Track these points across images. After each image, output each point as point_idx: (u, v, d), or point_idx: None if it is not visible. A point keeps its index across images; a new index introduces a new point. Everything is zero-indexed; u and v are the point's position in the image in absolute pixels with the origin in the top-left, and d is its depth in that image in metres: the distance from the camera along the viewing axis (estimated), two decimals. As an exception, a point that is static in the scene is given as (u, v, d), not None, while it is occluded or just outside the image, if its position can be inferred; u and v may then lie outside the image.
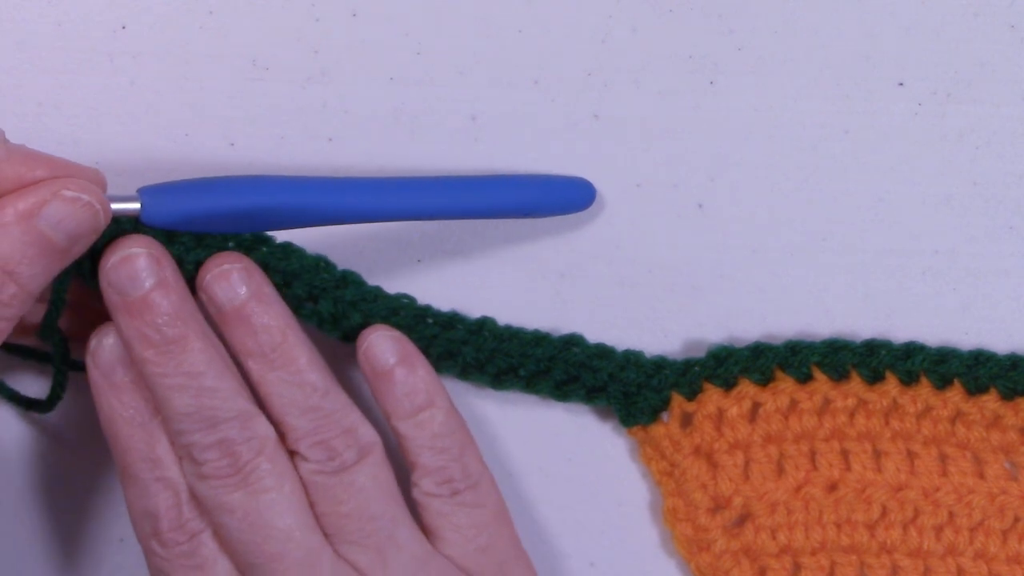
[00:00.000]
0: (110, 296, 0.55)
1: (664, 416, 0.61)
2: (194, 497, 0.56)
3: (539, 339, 0.61)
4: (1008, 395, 0.61)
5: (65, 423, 0.63)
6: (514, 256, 0.63)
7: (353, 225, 0.62)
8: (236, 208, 0.57)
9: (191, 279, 0.57)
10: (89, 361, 0.57)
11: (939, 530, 0.61)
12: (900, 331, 0.62)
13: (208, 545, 0.56)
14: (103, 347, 0.57)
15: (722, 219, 0.63)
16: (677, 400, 0.61)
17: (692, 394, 0.61)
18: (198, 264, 0.57)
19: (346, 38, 0.62)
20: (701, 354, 0.62)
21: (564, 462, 0.63)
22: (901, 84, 0.62)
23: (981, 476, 0.61)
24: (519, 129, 0.62)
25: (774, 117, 0.63)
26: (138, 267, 0.55)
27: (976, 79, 0.62)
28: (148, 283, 0.55)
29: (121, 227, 0.56)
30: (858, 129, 0.62)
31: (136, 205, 0.56)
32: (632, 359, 0.61)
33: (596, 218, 0.63)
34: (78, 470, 0.63)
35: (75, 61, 0.62)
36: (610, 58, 0.62)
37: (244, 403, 0.56)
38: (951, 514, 0.61)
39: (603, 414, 0.63)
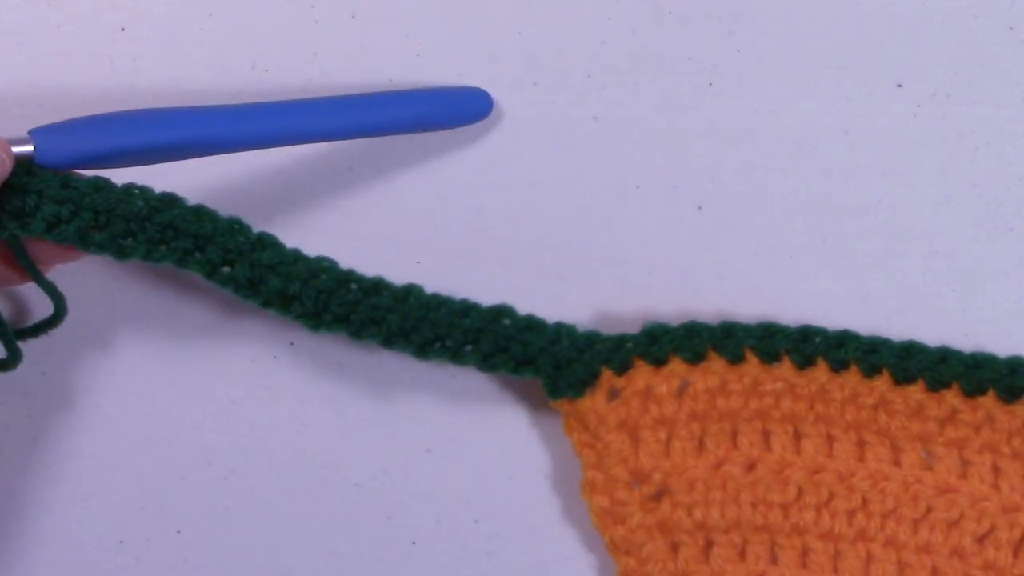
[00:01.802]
0: None
1: (591, 391, 0.61)
2: None
3: (467, 309, 0.60)
4: (934, 387, 0.61)
5: (66, 425, 0.63)
6: (513, 258, 0.63)
7: (352, 228, 0.62)
8: (132, 144, 0.56)
9: (90, 227, 0.56)
10: None
11: (851, 515, 0.61)
12: (899, 332, 0.62)
13: None
14: None
15: (722, 221, 0.63)
16: (607, 375, 0.61)
17: (622, 369, 0.61)
18: (95, 211, 0.56)
19: (345, 40, 0.62)
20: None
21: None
22: (900, 85, 0.62)
23: (897, 464, 0.61)
24: (518, 130, 0.62)
25: (773, 119, 0.63)
26: None
27: (975, 80, 0.62)
28: None
29: (15, 170, 0.56)
30: (857, 130, 0.62)
31: (29, 148, 0.56)
32: (564, 332, 0.61)
33: (596, 220, 0.63)
34: (79, 472, 0.63)
35: (75, 63, 0.62)
36: (609, 60, 0.62)
37: None
38: (864, 499, 0.61)
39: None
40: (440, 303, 0.60)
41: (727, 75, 0.63)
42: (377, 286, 0.59)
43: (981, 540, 0.61)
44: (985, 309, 0.63)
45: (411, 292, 0.60)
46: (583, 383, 0.61)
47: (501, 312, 0.60)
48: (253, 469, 0.63)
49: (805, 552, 0.61)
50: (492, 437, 0.63)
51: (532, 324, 0.60)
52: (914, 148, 0.63)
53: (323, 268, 0.59)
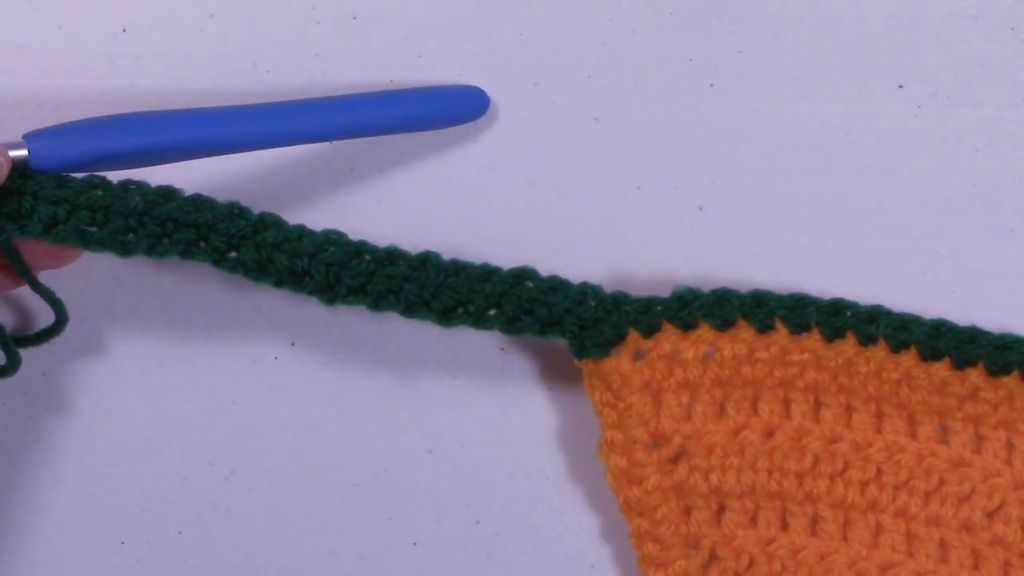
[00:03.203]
0: None
1: (616, 350, 0.61)
2: None
3: (488, 274, 0.59)
4: (960, 365, 0.61)
5: (67, 426, 0.63)
6: (514, 259, 0.63)
7: (352, 228, 0.62)
8: (127, 147, 0.56)
9: (88, 225, 0.56)
10: None
11: (864, 485, 0.61)
12: (900, 333, 0.62)
13: None
14: None
15: (722, 221, 0.63)
16: (634, 336, 0.61)
17: (650, 332, 0.61)
18: (92, 209, 0.56)
19: (346, 41, 0.62)
20: None
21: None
22: (901, 86, 0.62)
23: (913, 436, 0.61)
24: (519, 131, 0.63)
25: (774, 119, 0.63)
26: None
27: (976, 81, 0.62)
28: None
29: (10, 174, 0.56)
30: (858, 131, 0.62)
31: (24, 152, 0.56)
32: (591, 292, 0.60)
33: (596, 222, 0.63)
34: (80, 473, 0.63)
35: (76, 63, 0.62)
36: (610, 60, 0.62)
37: None
38: (879, 470, 0.61)
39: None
40: (459, 268, 0.59)
41: (728, 76, 0.63)
42: (392, 255, 0.59)
43: (991, 515, 0.61)
44: (985, 309, 0.63)
45: (428, 259, 0.59)
46: (609, 343, 0.61)
47: (523, 274, 0.60)
48: (254, 470, 0.63)
49: (816, 520, 0.61)
50: (492, 438, 0.63)
51: (556, 285, 0.60)
52: (915, 148, 0.63)
53: (331, 241, 0.58)
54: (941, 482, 0.61)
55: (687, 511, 0.62)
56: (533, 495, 0.63)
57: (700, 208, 0.63)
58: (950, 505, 0.61)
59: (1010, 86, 0.62)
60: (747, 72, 0.62)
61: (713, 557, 0.62)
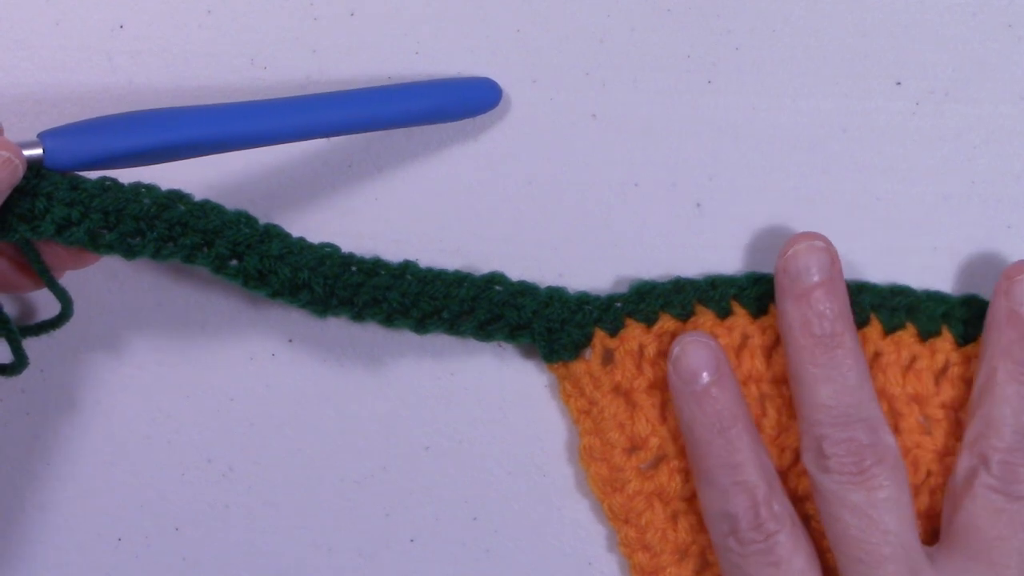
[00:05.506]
0: (783, 290, 0.59)
1: (586, 353, 0.61)
2: (771, 500, 0.58)
3: (461, 279, 0.60)
4: (924, 335, 0.61)
5: (64, 422, 0.63)
6: (511, 257, 0.63)
7: (351, 226, 0.62)
8: (141, 144, 0.56)
9: (99, 228, 0.56)
10: (670, 368, 0.59)
11: None
12: (898, 329, 0.62)
13: (784, 545, 0.58)
14: (684, 357, 0.59)
15: (721, 218, 0.63)
16: (600, 336, 0.61)
17: (615, 330, 0.61)
18: (104, 212, 0.56)
19: (344, 37, 0.62)
20: None
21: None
22: (899, 83, 0.62)
23: (897, 430, 0.60)
24: (517, 129, 0.63)
25: (772, 116, 0.63)
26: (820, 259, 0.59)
27: (974, 78, 0.62)
28: (816, 277, 0.59)
29: (26, 174, 0.55)
30: (856, 128, 0.63)
31: (39, 151, 0.56)
32: (556, 295, 0.61)
33: (594, 219, 0.63)
34: (77, 470, 0.63)
35: (73, 60, 0.62)
36: (608, 57, 0.63)
37: (876, 412, 0.58)
38: None
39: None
40: (435, 276, 0.60)
41: (726, 73, 0.63)
42: (376, 266, 0.60)
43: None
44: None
45: (407, 268, 0.60)
46: (577, 345, 0.61)
47: (493, 279, 0.61)
48: (252, 467, 0.63)
49: (806, 519, 0.60)
50: (490, 434, 0.63)
51: (524, 289, 0.61)
52: (912, 145, 0.63)
53: (327, 254, 0.59)
54: (928, 473, 0.60)
55: (674, 517, 0.61)
56: (531, 492, 0.63)
57: (698, 205, 0.63)
58: (940, 496, 0.60)
59: (1008, 83, 0.62)
60: (745, 69, 0.62)
61: (705, 563, 0.61)
